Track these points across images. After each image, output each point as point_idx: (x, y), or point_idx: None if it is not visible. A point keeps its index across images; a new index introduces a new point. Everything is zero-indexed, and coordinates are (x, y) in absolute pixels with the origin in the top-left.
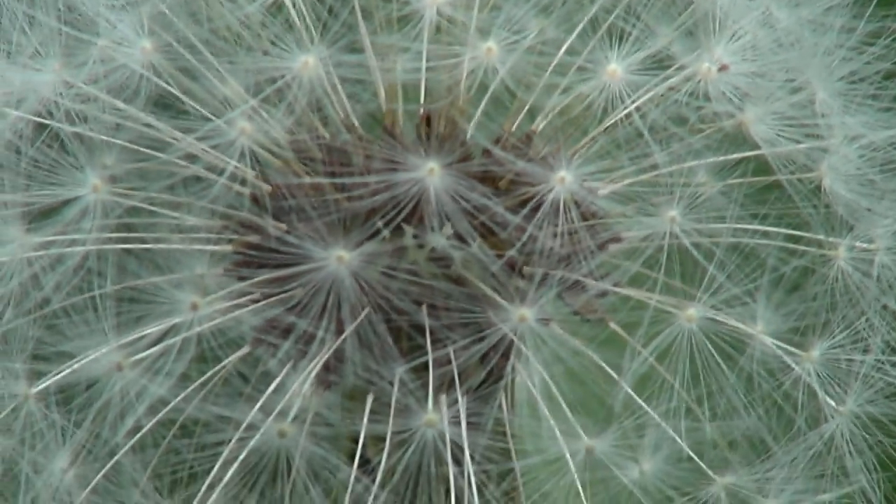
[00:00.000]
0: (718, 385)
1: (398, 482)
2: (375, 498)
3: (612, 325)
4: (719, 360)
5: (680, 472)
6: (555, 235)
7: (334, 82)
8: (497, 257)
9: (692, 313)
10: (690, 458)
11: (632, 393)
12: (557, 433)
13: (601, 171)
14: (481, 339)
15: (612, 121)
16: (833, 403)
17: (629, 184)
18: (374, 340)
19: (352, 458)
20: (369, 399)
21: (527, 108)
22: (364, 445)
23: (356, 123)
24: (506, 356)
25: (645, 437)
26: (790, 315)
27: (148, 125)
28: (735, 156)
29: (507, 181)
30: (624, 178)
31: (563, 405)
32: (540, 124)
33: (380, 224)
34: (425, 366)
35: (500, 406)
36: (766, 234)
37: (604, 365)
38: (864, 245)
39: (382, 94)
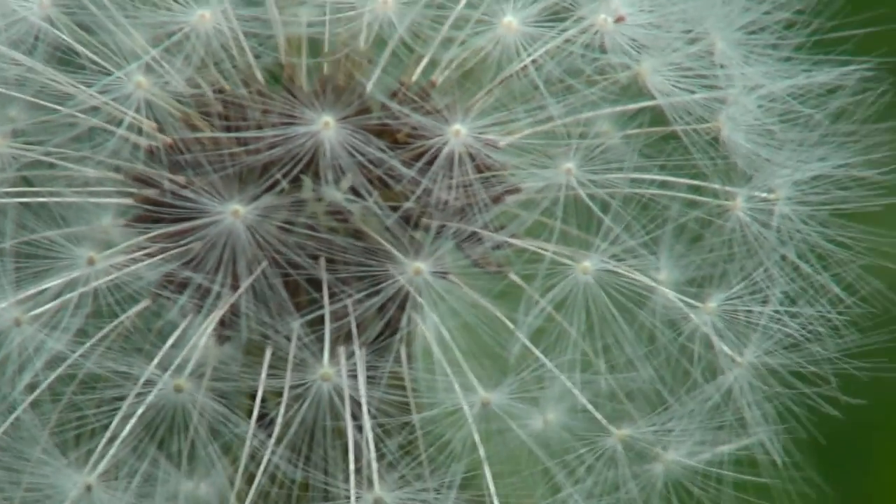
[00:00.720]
0: (615, 337)
1: (294, 436)
2: (272, 453)
3: (513, 276)
4: (615, 312)
5: (580, 425)
6: (449, 188)
7: (237, 36)
8: (393, 211)
9: (587, 265)
10: (589, 411)
11: (528, 344)
12: (456, 386)
13: (497, 124)
14: (378, 293)
15: (508, 74)
16: (732, 354)
17: (526, 136)
18: (270, 295)
19: (250, 413)
20: (267, 354)
21: (425, 61)
22: (264, 400)
23: (259, 77)
24: (402, 309)
25: (546, 389)
26: (688, 267)
27: (50, 79)
28: (631, 107)
29: (404, 135)
30: (521, 130)
31: (460, 358)
32: (438, 78)
33: (278, 177)
34: (323, 320)
35: (398, 359)
36: (663, 185)
37: (500, 316)
38: (764, 195)
39: (282, 47)
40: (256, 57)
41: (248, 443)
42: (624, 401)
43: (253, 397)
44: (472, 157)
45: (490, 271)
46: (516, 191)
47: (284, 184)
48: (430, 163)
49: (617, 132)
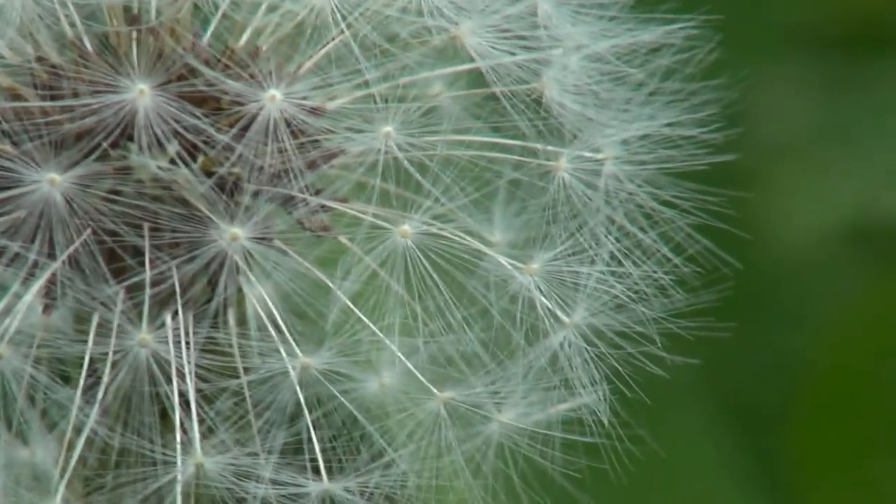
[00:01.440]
0: (437, 300)
1: (114, 403)
2: (89, 418)
3: (342, 238)
4: (434, 275)
5: (410, 388)
6: (265, 154)
7: (64, 1)
8: (210, 177)
9: (406, 229)
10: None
11: (350, 305)
12: (282, 350)
13: (317, 89)
14: (196, 258)
15: (327, 39)
16: (559, 315)
17: (347, 101)
18: (90, 263)
19: (71, 380)
20: (94, 322)
21: (251, 29)
22: (94, 369)
23: (87, 45)
24: (221, 274)
25: (377, 353)
26: (511, 228)
27: None
28: (448, 70)
29: (227, 102)
30: (341, 95)
31: (282, 322)
32: (263, 44)
33: (102, 145)
34: (143, 286)
35: (220, 324)
36: (485, 147)
37: (323, 277)
38: (590, 155)
39: (107, 14)
40: (86, 25)
41: (72, 410)
42: (453, 364)
43: (76, 365)
44: (289, 123)
45: (318, 234)
46: (334, 156)
47: (110, 152)
48: (247, 129)
49: (447, 93)
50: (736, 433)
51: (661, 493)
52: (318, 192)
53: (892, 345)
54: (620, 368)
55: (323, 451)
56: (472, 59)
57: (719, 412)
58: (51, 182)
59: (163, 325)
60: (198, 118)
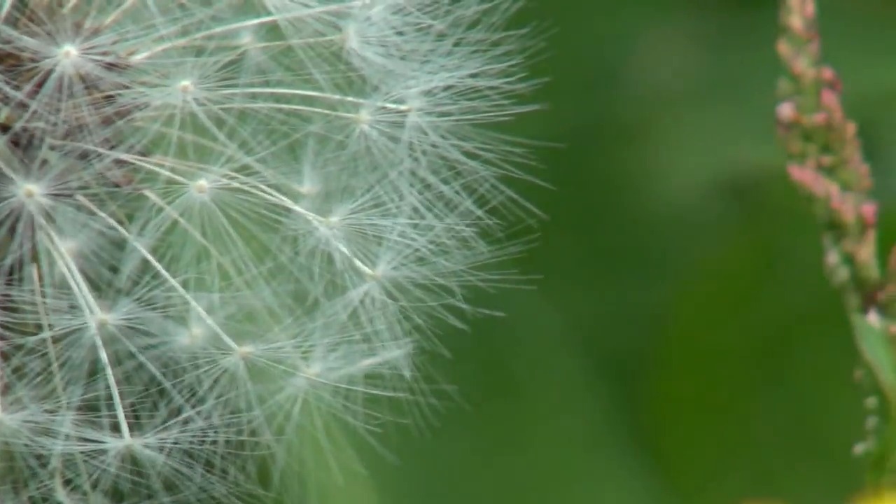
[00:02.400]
0: (235, 255)
1: None
2: None
3: (147, 193)
4: (231, 231)
5: (211, 343)
6: (59, 110)
7: None
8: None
9: (202, 183)
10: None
11: (150, 258)
12: (81, 306)
13: (115, 44)
14: None
15: None
16: (360, 268)
17: (146, 57)
18: None
19: None
20: None
21: None
22: None
23: None
24: (18, 230)
25: (183, 308)
26: (316, 181)
27: None
28: (244, 24)
29: (24, 58)
30: (141, 51)
31: (80, 278)
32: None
33: None
34: None
35: (18, 281)
36: (283, 100)
37: (121, 231)
38: (393, 106)
39: None
40: None
41: None
42: (256, 320)
43: None
44: (84, 79)
45: (119, 189)
46: (130, 111)
47: None
48: (42, 84)
49: (248, 47)
50: (604, 383)
51: (528, 439)
52: (114, 147)
53: (748, 297)
54: (424, 321)
55: (125, 407)
56: (270, 13)
57: (590, 362)
58: None
59: None
60: None
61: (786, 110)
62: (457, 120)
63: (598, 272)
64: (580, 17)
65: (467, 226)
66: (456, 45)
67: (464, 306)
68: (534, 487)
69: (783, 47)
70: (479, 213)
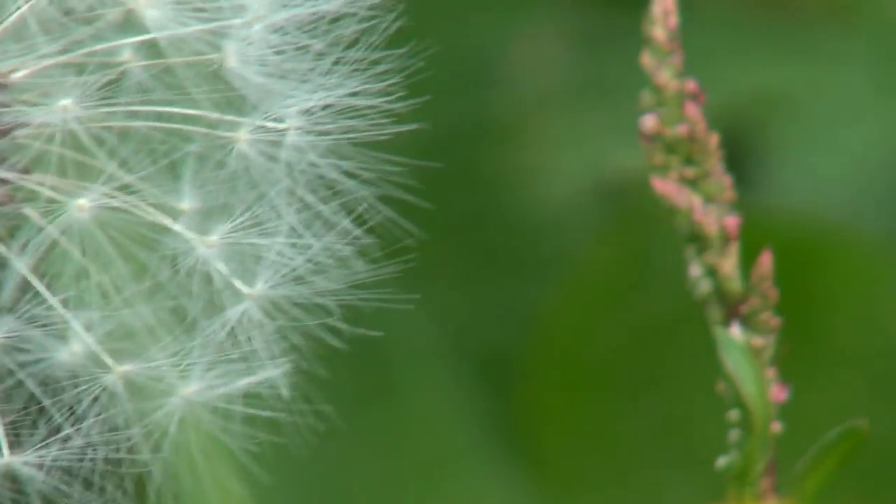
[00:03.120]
0: (114, 274)
1: None
2: None
3: (28, 212)
4: (111, 249)
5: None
6: None
7: None
8: None
9: (83, 202)
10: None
11: (30, 276)
12: None
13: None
14: None
15: (6, 14)
16: (238, 288)
17: (27, 75)
18: None
19: None
20: None
21: None
22: None
23: None
24: None
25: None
26: (196, 200)
27: None
28: (125, 42)
29: None
30: (23, 69)
31: None
32: None
33: None
34: None
35: None
36: (164, 118)
37: (1, 248)
38: (272, 125)
39: None
40: None
41: None
42: (134, 338)
43: None
44: None
45: (4, 209)
46: (13, 129)
47: None
48: None
49: (130, 65)
50: (480, 387)
51: (406, 447)
52: None
53: (620, 301)
54: (303, 341)
55: (5, 425)
56: (149, 32)
57: (465, 366)
58: None
59: None
60: None
61: (648, 122)
62: (335, 139)
63: (474, 275)
64: (457, 18)
65: (345, 245)
66: (335, 64)
67: (341, 325)
68: (412, 495)
69: (646, 59)
70: (357, 231)
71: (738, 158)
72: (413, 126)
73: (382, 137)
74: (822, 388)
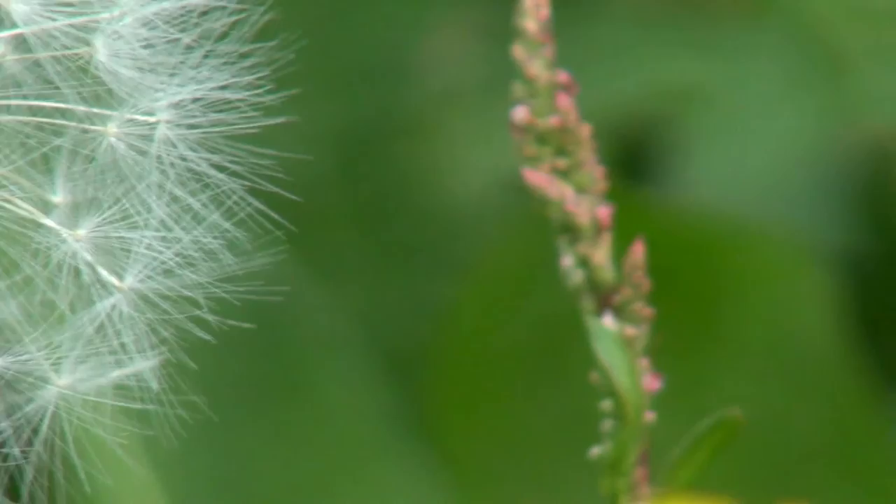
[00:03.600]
0: None
1: None
2: None
3: None
4: None
5: None
6: None
7: None
8: None
9: None
10: None
11: None
12: None
13: None
14: None
15: None
16: (107, 281)
17: None
18: None
19: None
20: None
21: None
22: None
23: None
24: None
25: None
26: (66, 193)
27: None
28: None
29: None
30: None
31: None
32: None
33: None
34: None
35: None
36: (36, 112)
37: None
38: (142, 118)
39: None
40: None
41: None
42: (7, 331)
43: None
44: None
45: None
46: None
47: None
48: None
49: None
50: (389, 380)
51: (316, 441)
52: None
53: (528, 293)
54: (174, 334)
55: None
56: (17, 26)
57: (375, 359)
58: None
59: None
60: None
61: (519, 114)
62: (205, 132)
63: (383, 268)
64: (366, 10)
65: (214, 238)
66: (205, 57)
67: (210, 318)
68: (321, 488)
69: (518, 50)
70: (227, 225)
71: (651, 153)
72: (282, 119)
73: (254, 130)
74: (727, 380)
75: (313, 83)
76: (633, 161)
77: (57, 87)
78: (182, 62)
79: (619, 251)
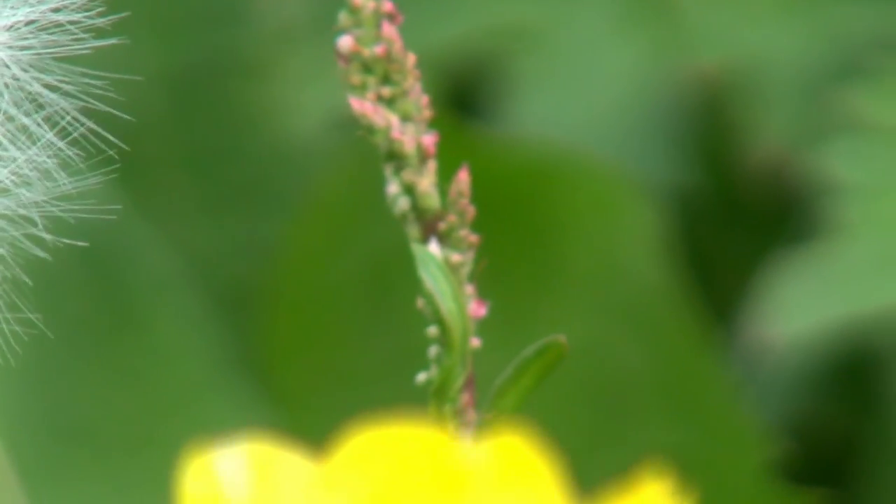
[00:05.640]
0: None
1: None
2: None
3: None
4: None
5: None
6: None
7: None
8: None
9: None
10: None
11: None
12: None
13: None
14: None
15: None
16: None
17: None
18: None
19: None
20: None
21: None
22: None
23: None
24: None
25: None
26: None
27: None
28: None
29: None
30: None
31: None
32: None
33: None
34: None
35: None
36: None
37: None
38: None
39: None
40: None
41: None
42: None
43: None
44: None
45: None
46: None
47: None
48: None
49: None
50: (220, 317)
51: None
52: None
53: (357, 229)
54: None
55: None
56: None
57: (206, 297)
58: None
59: None
60: None
61: (345, 42)
62: (39, 53)
63: (216, 207)
64: None
65: (49, 157)
66: None
67: (45, 236)
68: (151, 424)
69: None
70: (61, 144)
71: (483, 92)
72: (114, 41)
73: (85, 52)
74: (557, 312)
75: (146, 22)
76: (465, 100)
77: None
78: None
79: (449, 184)
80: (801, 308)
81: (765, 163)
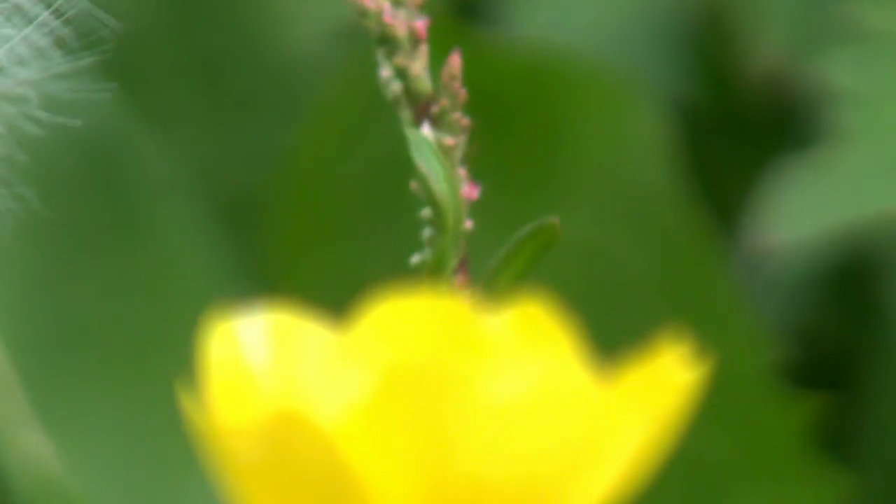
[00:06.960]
0: None
1: None
2: None
3: None
4: None
5: None
6: None
7: None
8: None
9: None
10: None
11: None
12: None
13: None
14: None
15: None
16: None
17: None
18: None
19: None
20: None
21: None
22: None
23: None
24: None
25: None
26: None
27: None
28: None
29: None
30: None
31: None
32: None
33: None
34: None
35: None
36: None
37: None
38: None
39: None
40: None
41: None
42: None
43: None
44: None
45: None
46: None
47: None
48: None
49: None
50: (226, 226)
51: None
52: None
53: (362, 136)
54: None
55: None
56: None
57: (213, 206)
58: None
59: None
60: None
61: None
62: None
63: (220, 116)
64: None
65: (43, 36)
66: None
67: (41, 114)
68: (152, 325)
69: None
70: (56, 23)
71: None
72: None
73: None
74: (561, 213)
75: None
76: (469, 5)
77: None
78: None
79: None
80: (802, 214)
81: (766, 71)
